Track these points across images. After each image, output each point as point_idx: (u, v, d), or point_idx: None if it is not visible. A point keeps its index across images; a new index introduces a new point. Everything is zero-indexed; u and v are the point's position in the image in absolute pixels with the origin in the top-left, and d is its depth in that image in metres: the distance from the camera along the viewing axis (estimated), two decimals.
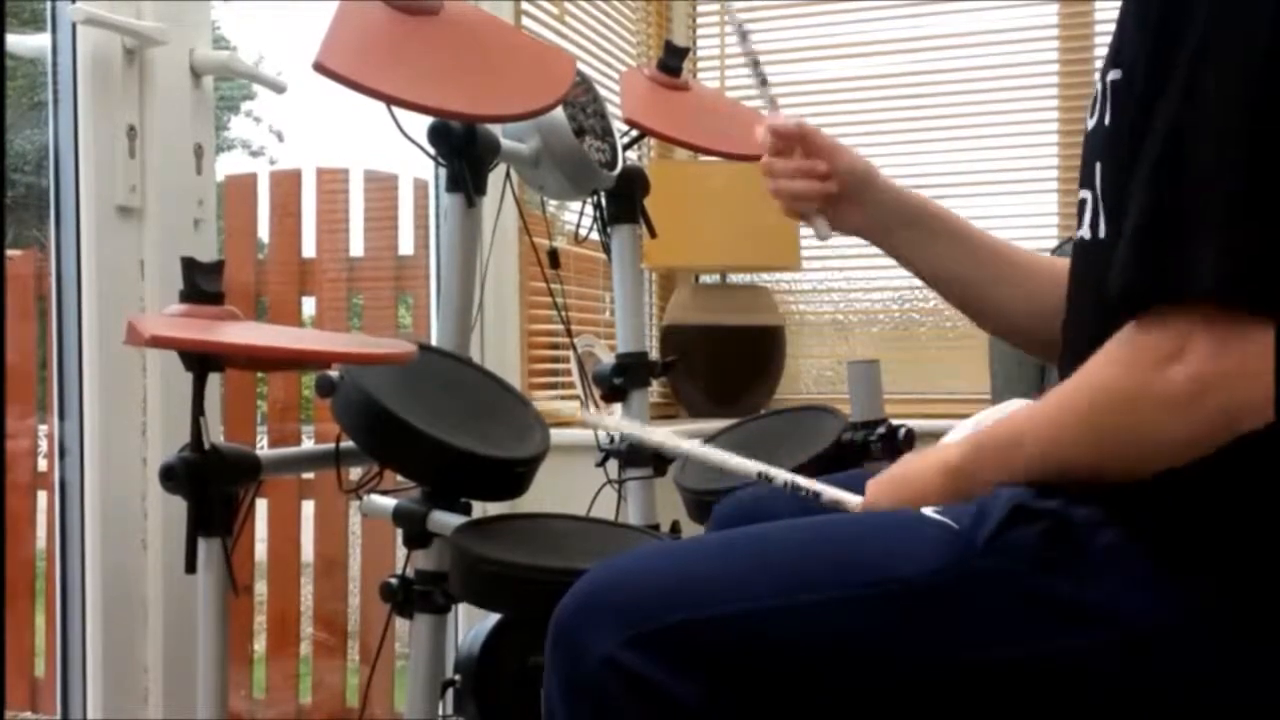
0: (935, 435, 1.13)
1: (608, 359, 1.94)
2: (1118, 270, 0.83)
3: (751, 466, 1.11)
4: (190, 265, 1.26)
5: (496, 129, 1.62)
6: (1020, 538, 0.87)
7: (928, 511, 0.92)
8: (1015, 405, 1.02)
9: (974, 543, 0.87)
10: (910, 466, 1.01)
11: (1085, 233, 0.95)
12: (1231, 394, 0.79)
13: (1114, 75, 0.91)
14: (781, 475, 1.08)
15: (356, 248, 2.54)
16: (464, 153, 1.53)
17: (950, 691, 0.88)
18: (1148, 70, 0.84)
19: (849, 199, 1.24)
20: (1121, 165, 0.88)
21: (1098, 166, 0.93)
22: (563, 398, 2.62)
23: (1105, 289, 0.84)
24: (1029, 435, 0.91)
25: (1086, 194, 0.95)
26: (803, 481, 1.07)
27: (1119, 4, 0.92)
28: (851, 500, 1.04)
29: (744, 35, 1.31)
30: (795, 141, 1.23)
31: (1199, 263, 0.78)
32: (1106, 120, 0.92)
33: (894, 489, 1.00)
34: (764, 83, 1.30)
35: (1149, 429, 0.83)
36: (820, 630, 0.87)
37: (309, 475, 2.41)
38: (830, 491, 1.06)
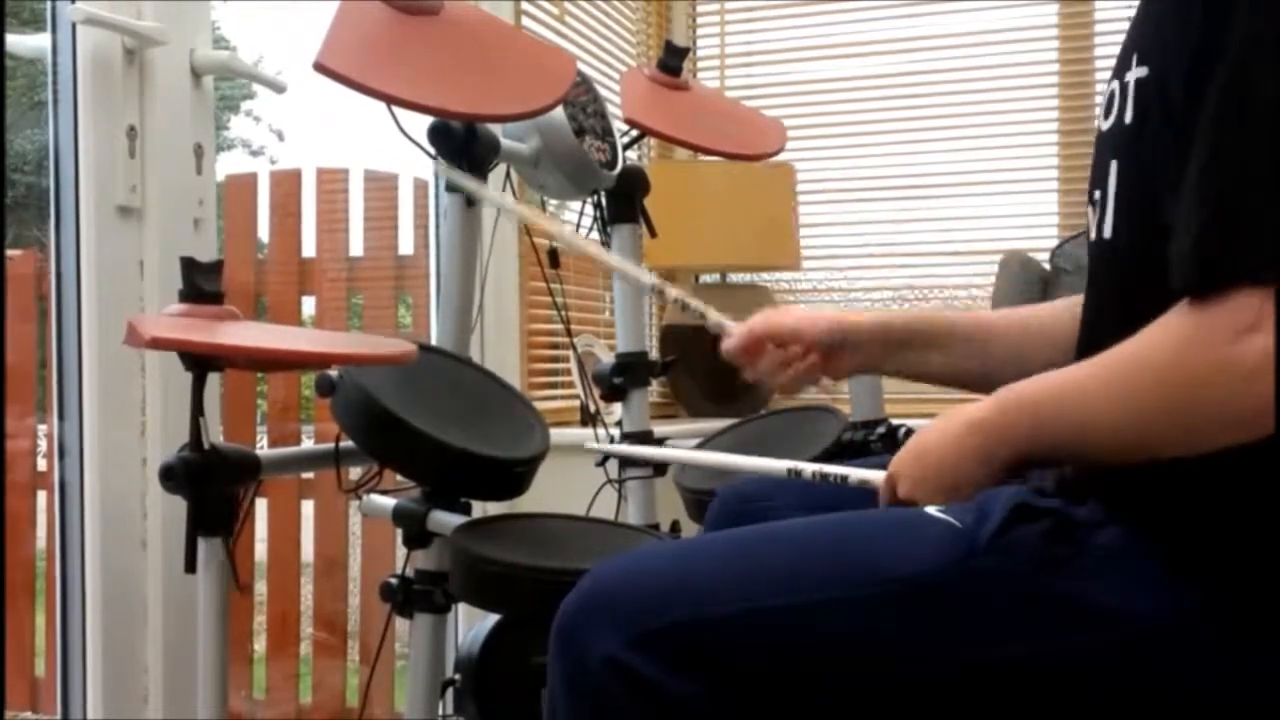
0: None
1: (608, 359, 1.94)
2: (1182, 264, 0.82)
3: (780, 465, 1.14)
4: (190, 265, 1.26)
5: (496, 129, 1.62)
6: (1022, 537, 0.87)
7: (930, 510, 0.92)
8: None
9: (976, 541, 0.87)
10: (930, 435, 0.99)
11: (1092, 233, 0.94)
12: None
13: (1139, 73, 0.89)
14: (808, 468, 1.11)
15: (356, 247, 2.54)
16: (464, 153, 1.53)
17: (951, 691, 0.88)
18: (1186, 69, 0.83)
19: (836, 354, 1.25)
20: (1147, 164, 0.87)
21: (1113, 165, 0.92)
22: (563, 397, 2.62)
23: (1111, 284, 0.83)
24: (1074, 402, 0.89)
25: (1098, 193, 0.94)
26: (829, 469, 1.10)
27: (1121, 3, 0.92)
28: (878, 477, 1.04)
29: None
30: (762, 341, 1.25)
31: (1268, 247, 0.78)
32: (1127, 119, 0.90)
33: (916, 459, 0.99)
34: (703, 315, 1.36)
35: (1222, 401, 0.81)
36: (822, 630, 0.87)
37: (309, 475, 2.41)
38: (856, 473, 1.07)
